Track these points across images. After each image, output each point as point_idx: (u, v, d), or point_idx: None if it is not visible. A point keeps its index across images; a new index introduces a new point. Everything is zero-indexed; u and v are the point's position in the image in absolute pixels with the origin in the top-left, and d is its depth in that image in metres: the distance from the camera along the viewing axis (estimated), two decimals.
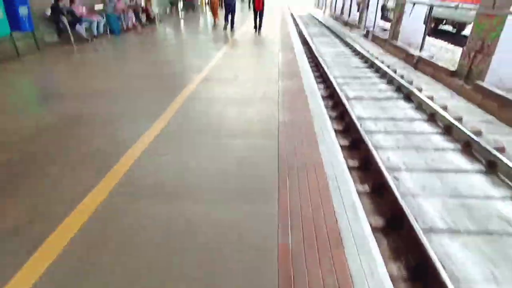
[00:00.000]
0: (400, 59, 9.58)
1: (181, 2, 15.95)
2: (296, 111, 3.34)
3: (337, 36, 13.29)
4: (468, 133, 4.32)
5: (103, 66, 5.61)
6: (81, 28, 7.31)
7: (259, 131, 2.92)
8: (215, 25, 11.67)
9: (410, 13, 9.93)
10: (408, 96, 6.19)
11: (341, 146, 3.94)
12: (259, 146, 2.63)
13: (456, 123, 4.68)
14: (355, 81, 7.23)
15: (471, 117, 5.32)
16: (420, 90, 6.43)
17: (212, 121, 3.20)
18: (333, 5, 23.05)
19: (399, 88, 6.64)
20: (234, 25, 9.96)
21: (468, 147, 4.23)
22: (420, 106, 5.71)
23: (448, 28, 14.38)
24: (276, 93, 3.91)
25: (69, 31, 7.14)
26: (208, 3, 15.15)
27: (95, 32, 7.97)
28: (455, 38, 13.00)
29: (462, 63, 7.35)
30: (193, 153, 2.54)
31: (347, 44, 11.34)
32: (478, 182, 3.49)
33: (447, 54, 10.03)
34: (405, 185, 3.47)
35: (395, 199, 2.97)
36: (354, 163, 3.85)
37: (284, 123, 3.04)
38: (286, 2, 35.53)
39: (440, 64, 8.16)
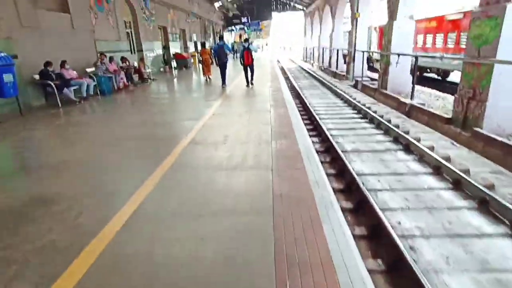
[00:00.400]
0: (392, 108, 9.58)
1: (175, 61, 16.53)
2: (292, 180, 2.95)
3: (327, 87, 13.57)
4: (481, 187, 3.95)
5: (85, 131, 5.32)
6: (69, 91, 7.22)
7: (250, 209, 2.48)
8: (207, 82, 11.84)
9: (397, 64, 10.20)
10: (408, 147, 5.92)
11: (344, 209, 3.51)
12: (249, 231, 2.18)
13: (464, 176, 4.33)
14: (350, 132, 7.02)
15: (478, 168, 4.99)
16: (418, 140, 6.19)
17: (194, 196, 2.80)
18: (321, 57, 24.21)
19: (396, 139, 6.40)
20: (226, 81, 10.14)
21: (484, 204, 3.81)
22: (422, 157, 5.41)
23: (433, 75, 14.86)
24: (269, 156, 3.56)
25: (57, 95, 7.01)
26: (201, 61, 15.70)
27: (84, 94, 7.89)
28: (441, 84, 13.38)
29: (457, 110, 7.26)
30: (166, 245, 2.09)
31: (338, 95, 11.47)
32: (508, 249, 3.02)
33: (438, 101, 10.12)
34: (425, 257, 2.97)
35: (417, 278, 2.49)
36: (361, 230, 3.38)
37: (279, 197, 2.62)
38: (274, 55, 37.60)
39: (434, 111, 8.10)
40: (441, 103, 9.85)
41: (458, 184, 4.35)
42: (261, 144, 4.05)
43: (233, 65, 17.18)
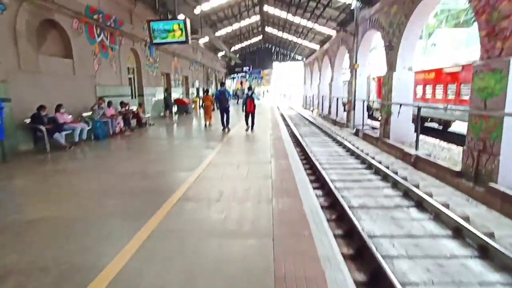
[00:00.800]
0: (397, 158, 9.24)
1: (175, 106, 16.62)
2: (298, 255, 2.42)
3: (328, 135, 13.40)
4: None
5: (68, 181, 4.87)
6: (59, 136, 6.91)
7: None
8: (207, 127, 11.68)
9: (398, 114, 10.10)
10: (420, 204, 5.43)
11: (357, 283, 2.93)
12: None
13: (490, 242, 3.80)
14: (355, 185, 6.57)
15: (502, 231, 4.45)
16: (430, 195, 5.73)
17: (177, 273, 2.28)
18: (321, 105, 24.60)
19: (406, 193, 5.94)
20: (229, 126, 10.26)
21: None
22: (437, 216, 4.89)
23: (433, 124, 14.80)
24: (270, 220, 3.07)
25: (46, 140, 6.69)
26: (202, 106, 15.80)
27: (77, 139, 7.59)
28: (443, 134, 13.24)
29: (467, 163, 6.89)
30: None
31: (339, 143, 11.22)
32: None
33: (443, 152, 9.81)
34: None
35: None
36: None
37: (283, 281, 2.11)
38: (275, 102, 38.46)
39: (442, 163, 7.73)
40: (447, 154, 9.54)
41: (485, 252, 3.80)
42: (261, 203, 3.58)
43: (235, 110, 17.26)
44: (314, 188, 6.17)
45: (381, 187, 6.48)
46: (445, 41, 22.20)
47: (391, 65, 10.95)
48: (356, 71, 14.28)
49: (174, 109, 16.80)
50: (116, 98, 10.28)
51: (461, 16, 28.78)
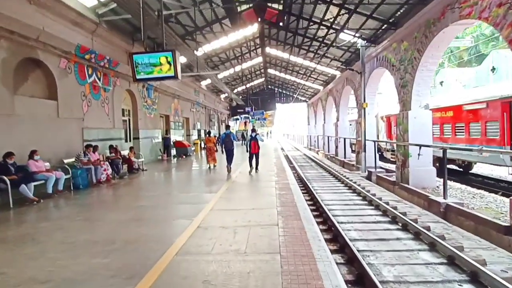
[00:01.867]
0: (421, 207, 7.95)
1: (174, 149, 15.75)
2: None
3: (338, 179, 12.22)
4: None
5: (21, 251, 3.72)
6: (25, 189, 5.85)
7: None
8: (210, 171, 10.85)
9: (419, 156, 9.01)
10: (475, 276, 4.11)
11: None
12: None
13: None
14: (383, 246, 5.27)
15: None
16: (483, 263, 4.41)
17: None
18: (326, 146, 23.67)
19: (452, 260, 4.62)
20: (231, 166, 10.06)
21: None
22: None
23: (452, 166, 13.62)
24: None
25: (9, 193, 5.63)
26: (204, 148, 14.90)
27: (50, 190, 6.51)
28: (464, 177, 12.02)
29: None
30: None
31: (352, 189, 9.99)
32: None
33: (475, 200, 8.54)
34: None
35: None
36: None
37: None
38: (279, 143, 37.75)
39: (482, 215, 6.44)
40: (479, 201, 8.27)
41: None
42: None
43: (240, 151, 16.31)
44: (332, 252, 4.92)
45: (415, 249, 5.16)
46: (453, 79, 21.87)
47: (405, 103, 10.11)
48: (364, 110, 13.50)
49: (173, 152, 15.92)
50: (107, 142, 9.40)
51: (464, 56, 28.93)
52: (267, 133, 58.20)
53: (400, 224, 6.33)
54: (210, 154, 11.41)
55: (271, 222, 4.37)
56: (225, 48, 17.89)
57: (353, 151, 22.28)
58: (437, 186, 9.79)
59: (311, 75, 23.71)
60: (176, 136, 17.17)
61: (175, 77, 6.51)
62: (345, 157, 18.09)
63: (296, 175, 13.09)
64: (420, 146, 8.95)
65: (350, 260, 4.68)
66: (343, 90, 18.61)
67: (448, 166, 13.31)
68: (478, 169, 13.35)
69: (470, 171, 12.75)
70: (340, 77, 18.92)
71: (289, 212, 4.92)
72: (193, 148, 18.01)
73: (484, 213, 6.74)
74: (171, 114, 16.61)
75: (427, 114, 9.76)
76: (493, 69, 17.45)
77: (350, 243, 5.02)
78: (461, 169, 12.90)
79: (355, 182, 10.83)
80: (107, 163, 8.37)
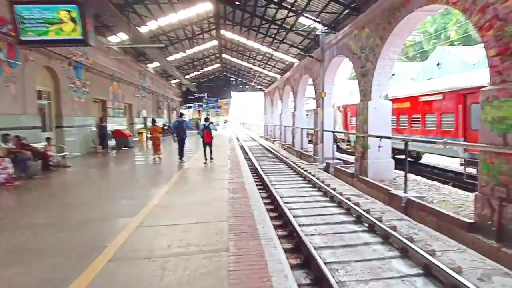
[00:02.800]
0: (382, 201, 7.54)
1: (113, 140, 13.80)
2: None
3: (297, 171, 11.58)
4: None
5: None
6: None
7: None
8: (156, 162, 10.00)
9: (379, 148, 8.62)
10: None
11: None
12: None
13: None
14: (352, 256, 4.56)
15: None
16: (459, 271, 3.90)
17: None
18: (283, 136, 23.18)
19: (428, 270, 4.05)
20: (183, 157, 9.95)
21: None
22: None
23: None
24: None
25: None
26: (150, 138, 13.19)
27: None
28: (414, 167, 12.20)
29: (483, 214, 5.33)
30: None
31: (312, 184, 9.35)
32: None
33: (433, 193, 8.40)
34: None
35: None
36: None
37: None
38: (234, 133, 36.69)
39: (445, 211, 6.13)
40: (437, 194, 8.12)
41: None
42: None
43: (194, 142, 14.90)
44: (295, 266, 4.08)
45: (386, 257, 4.53)
46: (402, 73, 22.67)
47: (366, 93, 9.65)
48: (323, 100, 12.98)
49: (112, 143, 13.97)
50: (14, 132, 7.46)
51: (410, 52, 30.40)
52: (223, 122, 56.61)
53: (366, 225, 5.72)
54: (156, 144, 10.57)
55: (219, 245, 3.22)
56: (175, 26, 16.10)
57: (310, 142, 22.11)
58: (395, 178, 9.59)
59: (269, 63, 22.86)
60: (115, 125, 15.14)
61: (83, 41, 4.83)
62: (302, 148, 17.69)
63: (252, 168, 12.20)
64: (381, 137, 8.55)
65: (318, 279, 3.86)
66: (301, 79, 18.04)
67: (399, 156, 13.51)
68: (426, 159, 13.74)
69: (419, 161, 13.00)
70: (298, 65, 18.30)
71: (244, 226, 3.86)
72: (136, 139, 16.14)
73: (445, 208, 6.46)
74: (108, 99, 14.52)
75: (387, 105, 9.41)
76: (438, 64, 18.23)
77: (316, 255, 4.21)
78: (412, 159, 13.10)
79: (314, 175, 10.24)
80: (7, 159, 6.44)
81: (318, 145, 14.61)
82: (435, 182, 9.23)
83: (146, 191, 6.11)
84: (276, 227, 5.60)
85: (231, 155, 11.73)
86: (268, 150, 20.44)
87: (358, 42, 10.21)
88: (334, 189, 8.24)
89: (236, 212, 4.38)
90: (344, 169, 11.41)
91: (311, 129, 17.52)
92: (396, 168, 9.77)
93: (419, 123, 10.51)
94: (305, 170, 11.26)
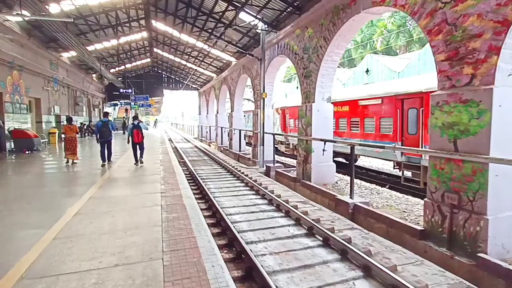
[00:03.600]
0: (328, 208, 7.24)
1: (12, 141, 11.09)
2: None
3: (236, 176, 10.79)
4: None
5: None
6: None
7: None
8: (68, 168, 8.69)
9: (324, 151, 8.36)
10: None
11: None
12: None
13: None
14: (312, 280, 3.93)
15: None
16: None
17: None
18: (219, 137, 22.21)
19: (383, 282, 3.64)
20: (111, 160, 9.55)
21: None
22: None
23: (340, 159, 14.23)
24: None
25: None
26: (64, 138, 10.83)
27: None
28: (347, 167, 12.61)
29: (433, 221, 5.27)
30: None
31: (254, 190, 8.66)
32: None
33: (375, 196, 8.47)
34: None
35: None
36: None
37: None
38: (166, 134, 34.31)
39: (395, 218, 6.00)
40: (379, 198, 8.20)
41: None
42: None
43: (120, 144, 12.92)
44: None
45: (349, 278, 4.02)
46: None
47: (308, 95, 9.37)
48: (263, 101, 12.47)
49: (10, 145, 11.23)
50: None
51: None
52: (154, 122, 52.76)
53: (321, 238, 5.20)
54: (70, 146, 9.36)
55: (155, 227, 2.29)
56: (94, 10, 13.84)
57: (247, 144, 21.60)
58: (336, 182, 9.52)
59: (204, 60, 21.65)
60: (17, 123, 12.30)
61: None
62: (240, 150, 17.00)
63: (188, 173, 11.02)
64: (327, 141, 8.30)
65: None
66: (239, 78, 17.37)
67: (336, 159, 13.80)
68: (360, 161, 14.37)
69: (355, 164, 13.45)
70: (236, 64, 17.60)
71: (186, 265, 2.81)
72: (44, 140, 13.42)
73: (392, 214, 6.39)
74: (5, 91, 11.67)
75: (329, 108, 9.27)
76: (367, 70, 19.55)
77: (259, 265, 3.46)
78: (347, 162, 13.49)
79: (255, 181, 9.58)
80: None
81: (257, 148, 14.09)
82: (374, 185, 9.42)
83: (46, 213, 4.57)
84: (221, 247, 4.72)
85: (164, 160, 10.35)
86: (203, 152, 19.26)
87: (300, 42, 9.91)
88: (279, 196, 7.68)
89: (174, 242, 3.30)
90: (285, 173, 11.04)
91: (250, 130, 16.99)
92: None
93: (358, 127, 10.72)
94: (246, 175, 10.55)
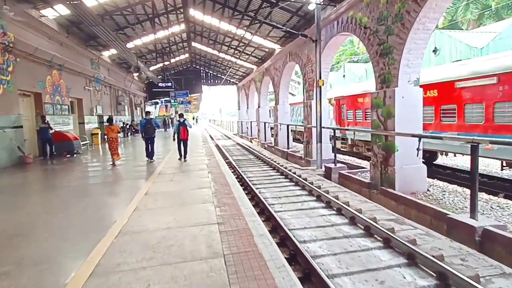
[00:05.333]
0: (440, 232, 5.25)
1: (50, 145, 10.40)
2: None
3: (293, 180, 9.12)
4: None
5: None
6: None
7: None
8: (112, 170, 8.32)
9: (418, 150, 6.32)
10: None
11: None
12: None
13: None
14: None
15: None
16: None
17: None
18: (262, 133, 20.62)
19: None
20: (153, 158, 9.63)
21: None
22: None
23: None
24: None
25: None
26: (106, 139, 10.40)
27: None
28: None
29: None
30: None
31: (323, 201, 6.90)
32: None
33: (507, 215, 6.29)
34: None
35: None
36: None
37: None
38: (206, 130, 33.64)
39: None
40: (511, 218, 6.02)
41: None
42: None
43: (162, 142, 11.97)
44: None
45: None
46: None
47: (387, 78, 7.33)
48: (320, 90, 10.57)
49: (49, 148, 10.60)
50: None
51: (360, 54, 30.04)
52: (193, 118, 52.62)
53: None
54: (112, 147, 9.15)
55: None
56: (130, 1, 12.85)
57: (294, 140, 19.83)
58: (428, 189, 7.41)
59: (244, 51, 20.10)
60: (58, 125, 11.73)
61: None
62: (288, 148, 15.25)
63: (235, 174, 9.61)
64: (421, 137, 6.24)
65: None
66: (285, 67, 15.56)
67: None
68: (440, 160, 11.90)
69: (433, 162, 11.08)
70: (281, 51, 15.79)
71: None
72: (85, 142, 12.82)
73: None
74: (45, 91, 11.08)
75: (418, 93, 7.17)
76: (435, 49, 16.74)
77: None
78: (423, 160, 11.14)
79: (319, 187, 7.80)
80: None
81: (311, 145, 12.25)
82: (483, 194, 7.16)
83: (84, 235, 3.28)
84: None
85: (211, 164, 8.93)
86: (247, 149, 17.83)
87: (373, 12, 7.86)
88: (359, 211, 5.84)
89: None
90: (352, 176, 9.12)
91: (301, 125, 15.20)
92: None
93: (453, 116, 8.39)
94: (304, 179, 8.82)
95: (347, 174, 9.35)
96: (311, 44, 11.32)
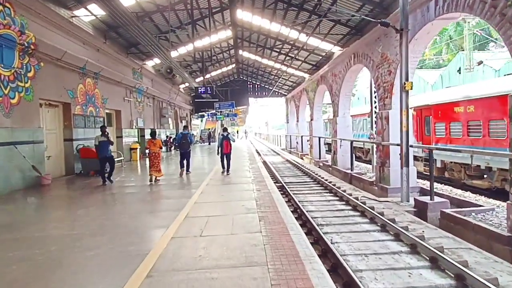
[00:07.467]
0: None
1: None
2: None
3: (369, 218, 6.47)
4: None
5: None
6: None
7: None
8: (151, 188, 7.54)
9: None
10: None
11: None
12: None
13: None
14: None
15: None
16: None
17: None
18: (315, 149, 17.97)
19: None
20: (190, 170, 9.61)
21: None
22: None
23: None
24: None
25: None
26: (148, 154, 8.85)
27: None
28: None
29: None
30: None
31: (429, 257, 4.20)
32: None
33: None
34: None
35: None
36: None
37: None
38: (251, 144, 31.85)
39: None
40: None
41: None
42: None
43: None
44: None
45: None
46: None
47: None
48: (407, 95, 7.83)
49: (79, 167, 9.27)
50: None
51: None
52: (236, 132, 51.21)
53: None
54: (154, 163, 8.31)
55: None
56: (173, 2, 11.48)
57: (357, 158, 16.95)
58: None
59: (297, 57, 17.89)
60: (90, 139, 10.46)
61: None
62: (352, 169, 12.43)
63: (289, 203, 7.26)
64: None
65: None
66: (347, 71, 12.97)
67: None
68: None
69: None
70: (343, 53, 13.27)
71: None
72: (119, 159, 11.45)
73: None
74: (75, 101, 9.88)
75: None
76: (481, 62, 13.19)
77: None
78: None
79: (422, 237, 5.05)
80: None
81: (390, 168, 9.35)
82: None
83: None
84: None
85: (260, 196, 6.56)
86: (299, 169, 15.30)
87: None
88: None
89: None
90: (466, 218, 6.18)
91: (371, 142, 12.43)
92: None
93: None
94: (391, 220, 6.12)
95: (457, 215, 6.40)
96: (389, 37, 8.71)
